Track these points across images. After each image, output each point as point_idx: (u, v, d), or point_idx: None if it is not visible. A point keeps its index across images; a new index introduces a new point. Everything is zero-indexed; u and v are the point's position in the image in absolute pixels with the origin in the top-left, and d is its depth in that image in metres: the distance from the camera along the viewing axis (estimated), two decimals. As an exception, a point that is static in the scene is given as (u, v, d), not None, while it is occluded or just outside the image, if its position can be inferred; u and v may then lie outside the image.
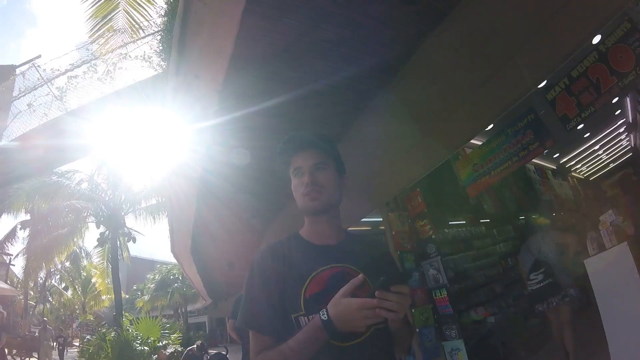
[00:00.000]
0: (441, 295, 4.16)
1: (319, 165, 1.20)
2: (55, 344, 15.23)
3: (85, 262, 23.37)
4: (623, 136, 8.08)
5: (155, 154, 11.54)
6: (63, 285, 25.43)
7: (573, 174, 9.49)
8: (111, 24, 5.82)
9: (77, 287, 24.58)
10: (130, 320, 11.03)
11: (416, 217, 4.55)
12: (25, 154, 7.14)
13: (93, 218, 13.24)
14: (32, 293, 21.66)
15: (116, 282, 13.16)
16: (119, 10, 5.72)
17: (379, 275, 0.94)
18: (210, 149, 4.25)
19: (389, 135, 4.02)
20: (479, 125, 3.30)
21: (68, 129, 6.80)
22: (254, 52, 3.09)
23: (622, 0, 2.22)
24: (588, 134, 7.18)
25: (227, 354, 7.69)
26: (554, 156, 8.14)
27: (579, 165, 9.48)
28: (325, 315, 0.98)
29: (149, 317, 12.48)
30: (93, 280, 22.22)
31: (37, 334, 13.69)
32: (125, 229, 14.11)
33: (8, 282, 18.21)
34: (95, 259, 18.03)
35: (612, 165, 9.73)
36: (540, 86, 3.01)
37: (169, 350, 10.50)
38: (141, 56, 6.14)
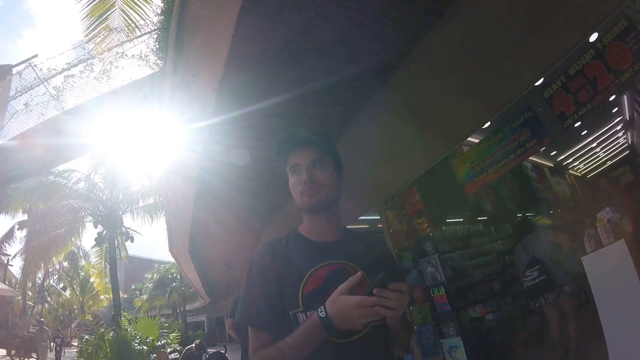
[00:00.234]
0: (439, 293, 4.17)
1: (316, 163, 1.19)
2: (52, 344, 15.18)
3: (83, 262, 23.30)
4: (620, 134, 8.12)
5: (152, 153, 11.51)
6: (61, 285, 25.40)
7: (570, 171, 9.51)
8: (107, 22, 5.79)
9: (75, 287, 24.53)
10: (128, 320, 10.99)
11: (414, 215, 4.56)
12: (22, 153, 7.12)
13: (90, 218, 13.17)
14: (30, 293, 21.57)
15: (114, 282, 13.13)
16: (115, 9, 5.70)
17: (378, 272, 0.93)
18: (208, 149, 4.25)
19: (386, 133, 4.03)
20: (476, 123, 3.31)
21: (65, 128, 6.77)
22: (252, 51, 3.09)
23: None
24: (585, 132, 7.21)
25: (226, 353, 7.69)
26: (551, 154, 8.16)
27: (577, 163, 9.51)
28: (324, 313, 0.98)
29: (148, 316, 12.45)
30: (91, 280, 22.18)
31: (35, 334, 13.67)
32: (123, 228, 14.05)
33: (6, 282, 18.19)
34: (93, 259, 18.02)
35: (609, 163, 9.77)
36: (537, 84, 3.01)
37: (168, 350, 10.50)
38: (138, 55, 6.12)
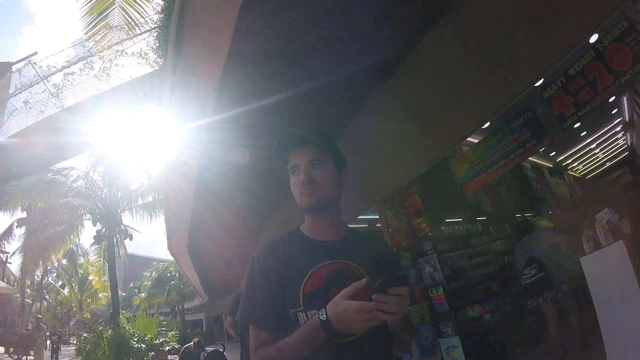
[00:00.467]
0: (437, 292, 4.18)
1: (316, 162, 1.18)
2: (49, 342, 15.16)
3: (82, 260, 23.33)
4: (619, 135, 8.13)
5: (152, 151, 11.51)
6: (60, 283, 25.36)
7: (570, 172, 9.52)
8: (107, 20, 5.79)
9: (74, 285, 24.51)
10: (127, 318, 10.99)
11: (413, 214, 4.56)
12: (22, 151, 7.10)
13: (89, 215, 13.16)
14: (29, 291, 21.57)
15: (113, 280, 13.11)
16: (115, 7, 5.69)
17: (379, 274, 0.94)
18: (208, 147, 4.24)
19: (386, 133, 4.03)
20: (475, 123, 3.30)
21: (64, 126, 6.76)
22: (252, 50, 3.08)
23: (619, -1, 2.23)
24: (585, 133, 7.22)
25: (224, 351, 7.68)
26: (551, 154, 8.17)
27: (576, 164, 9.52)
28: (324, 316, 0.98)
29: (146, 314, 12.42)
30: (90, 278, 22.13)
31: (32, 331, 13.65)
32: (122, 226, 14.02)
33: (5, 280, 18.20)
34: (92, 257, 17.99)
35: (608, 164, 9.79)
36: (537, 84, 3.01)
37: (167, 348, 10.50)
38: (138, 53, 6.11)
